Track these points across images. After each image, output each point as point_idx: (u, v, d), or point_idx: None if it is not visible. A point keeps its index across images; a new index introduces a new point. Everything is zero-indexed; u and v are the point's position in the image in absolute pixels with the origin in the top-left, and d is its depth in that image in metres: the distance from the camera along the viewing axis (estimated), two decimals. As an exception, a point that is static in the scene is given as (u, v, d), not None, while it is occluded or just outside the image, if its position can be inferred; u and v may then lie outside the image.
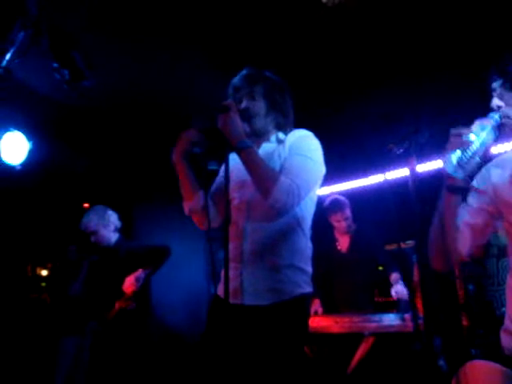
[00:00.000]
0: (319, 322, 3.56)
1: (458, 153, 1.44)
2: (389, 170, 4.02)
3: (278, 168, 1.87)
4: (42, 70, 2.90)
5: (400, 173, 4.06)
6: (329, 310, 3.82)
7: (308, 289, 1.90)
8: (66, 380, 3.69)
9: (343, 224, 3.97)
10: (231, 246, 1.86)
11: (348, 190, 4.52)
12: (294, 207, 1.81)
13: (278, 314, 1.80)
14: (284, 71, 2.09)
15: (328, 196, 4.26)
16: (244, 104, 1.98)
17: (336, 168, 4.62)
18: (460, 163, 1.44)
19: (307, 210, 1.97)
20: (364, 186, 4.53)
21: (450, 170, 1.46)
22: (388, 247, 4.24)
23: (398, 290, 3.62)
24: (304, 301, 1.88)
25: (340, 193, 4.50)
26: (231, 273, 1.81)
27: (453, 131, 1.46)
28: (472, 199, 1.60)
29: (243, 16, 2.95)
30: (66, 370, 3.74)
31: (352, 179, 4.61)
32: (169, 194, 2.96)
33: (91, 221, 3.61)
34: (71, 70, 2.27)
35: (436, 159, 4.05)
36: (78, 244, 4.21)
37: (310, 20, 2.97)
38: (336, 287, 3.97)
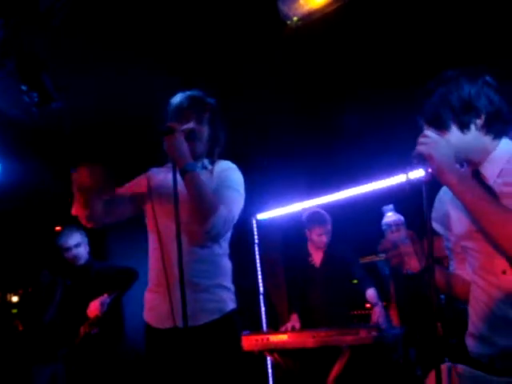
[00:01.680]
0: (296, 337, 3.57)
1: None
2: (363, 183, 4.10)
3: None
4: (10, 92, 2.89)
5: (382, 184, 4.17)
6: (306, 324, 3.83)
7: (234, 305, 2.00)
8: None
9: (323, 238, 3.95)
10: (156, 270, 1.94)
11: (319, 205, 4.56)
12: (223, 236, 1.93)
13: (211, 332, 1.88)
14: (251, 88, 2.12)
15: (303, 210, 4.30)
16: (191, 125, 1.99)
17: (308, 183, 4.70)
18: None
19: (228, 236, 2.05)
20: (335, 201, 4.58)
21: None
22: (362, 260, 4.29)
23: (376, 313, 3.64)
24: (233, 317, 1.97)
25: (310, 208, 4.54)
26: (159, 297, 1.91)
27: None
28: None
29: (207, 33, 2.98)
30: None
31: (322, 194, 4.66)
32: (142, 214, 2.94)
33: (74, 234, 3.62)
34: (40, 92, 2.27)
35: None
36: (50, 268, 4.13)
37: (276, 36, 3.01)
38: (311, 302, 3.97)
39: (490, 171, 1.41)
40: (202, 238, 1.88)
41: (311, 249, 4.06)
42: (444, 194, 1.59)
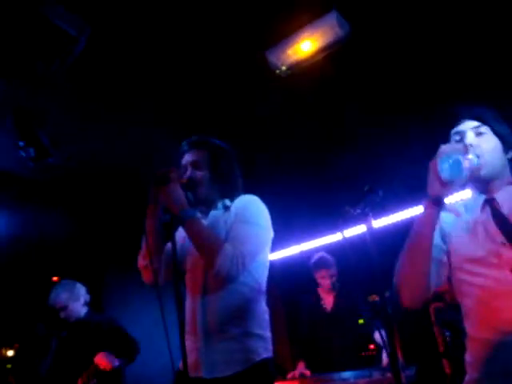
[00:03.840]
0: (309, 384, 3.47)
1: (457, 157, 1.40)
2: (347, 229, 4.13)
3: (223, 235, 1.87)
4: (5, 146, 2.93)
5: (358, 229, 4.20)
6: (314, 369, 3.74)
7: (267, 354, 1.86)
8: None
9: (327, 281, 3.97)
10: (187, 319, 1.89)
11: (318, 247, 4.56)
12: (239, 274, 1.79)
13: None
14: (241, 134, 2.14)
15: (309, 254, 4.29)
16: (188, 173, 1.98)
17: (304, 226, 4.71)
18: (457, 168, 1.38)
19: (260, 276, 1.96)
20: (332, 243, 4.59)
21: (446, 173, 1.40)
22: (370, 298, 4.25)
23: (387, 355, 3.58)
24: (264, 367, 1.83)
25: (311, 251, 4.55)
26: (189, 345, 1.81)
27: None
28: None
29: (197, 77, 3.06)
30: None
31: (317, 237, 4.68)
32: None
33: (60, 296, 3.52)
34: (36, 147, 2.30)
35: (391, 213, 4.34)
36: (45, 321, 4.07)
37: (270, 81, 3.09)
38: (322, 347, 3.91)
39: (506, 200, 1.48)
40: (217, 282, 1.83)
41: (322, 293, 4.05)
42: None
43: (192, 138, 2.08)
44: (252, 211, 1.92)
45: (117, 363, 3.32)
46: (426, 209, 1.48)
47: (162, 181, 1.80)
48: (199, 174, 1.98)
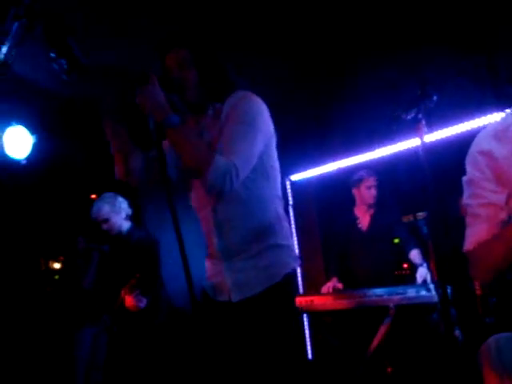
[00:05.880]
0: (342, 298, 3.53)
1: None
2: (397, 141, 3.95)
3: (215, 145, 1.67)
4: (39, 61, 2.87)
5: (408, 143, 4.00)
6: (347, 286, 3.80)
7: (293, 265, 1.76)
8: (86, 374, 3.73)
9: (373, 192, 3.93)
10: (205, 241, 1.79)
11: (356, 165, 4.45)
12: (233, 187, 1.60)
13: (265, 301, 1.68)
14: (280, 40, 1.96)
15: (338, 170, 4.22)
16: (174, 74, 1.74)
17: (341, 142, 4.58)
18: None
19: (271, 180, 1.77)
20: (372, 160, 4.46)
21: None
22: (404, 219, 4.21)
23: (422, 274, 3.57)
24: (288, 280, 1.74)
25: (348, 168, 4.46)
26: (212, 269, 1.77)
27: None
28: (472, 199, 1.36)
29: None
30: (85, 363, 3.77)
31: (359, 153, 4.54)
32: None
33: (102, 209, 3.59)
34: (68, 58, 2.22)
35: (446, 127, 3.90)
36: (86, 234, 4.21)
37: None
38: (356, 265, 3.95)
39: None
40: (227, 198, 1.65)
41: (359, 212, 4.04)
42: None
43: (170, 35, 1.80)
44: (245, 109, 1.67)
45: (143, 304, 3.38)
46: None
47: (139, 81, 1.58)
48: (186, 74, 1.74)
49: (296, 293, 1.84)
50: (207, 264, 1.88)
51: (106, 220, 3.59)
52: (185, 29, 1.85)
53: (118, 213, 3.63)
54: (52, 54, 2.36)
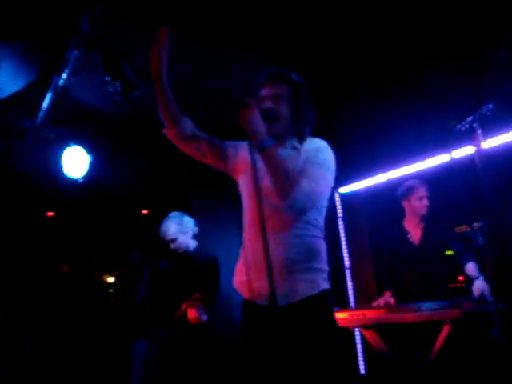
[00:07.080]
0: (396, 312, 3.42)
1: None
2: (452, 150, 3.82)
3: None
4: (95, 84, 3.01)
5: (461, 152, 3.87)
6: (400, 301, 3.71)
7: (327, 285, 1.94)
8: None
9: (425, 202, 3.77)
10: (249, 258, 1.93)
11: (407, 175, 4.36)
12: (309, 211, 1.88)
13: (306, 309, 1.84)
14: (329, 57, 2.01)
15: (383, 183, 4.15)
16: (267, 104, 1.94)
17: (392, 153, 4.51)
18: None
19: (323, 215, 2.01)
20: (421, 170, 4.36)
21: None
22: (457, 229, 4.07)
23: (479, 287, 3.43)
24: (326, 295, 1.91)
25: (400, 178, 4.37)
26: (255, 275, 1.89)
27: None
28: None
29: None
30: (139, 373, 3.85)
31: (410, 163, 4.44)
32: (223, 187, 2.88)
33: (169, 228, 3.62)
34: (122, 81, 2.33)
35: (502, 133, 3.72)
36: (142, 251, 4.33)
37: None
38: (408, 279, 3.83)
39: None
40: (288, 214, 1.85)
41: (409, 225, 3.89)
42: None
43: (272, 70, 2.01)
44: (326, 156, 1.96)
45: (205, 317, 3.44)
46: None
47: (241, 104, 1.78)
48: (280, 107, 1.95)
49: (331, 308, 1.97)
50: (242, 268, 1.99)
51: (174, 240, 3.63)
52: (288, 67, 1.98)
53: (186, 232, 3.66)
54: (107, 78, 2.49)
